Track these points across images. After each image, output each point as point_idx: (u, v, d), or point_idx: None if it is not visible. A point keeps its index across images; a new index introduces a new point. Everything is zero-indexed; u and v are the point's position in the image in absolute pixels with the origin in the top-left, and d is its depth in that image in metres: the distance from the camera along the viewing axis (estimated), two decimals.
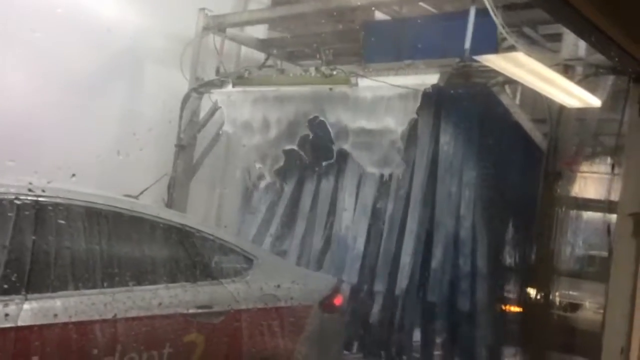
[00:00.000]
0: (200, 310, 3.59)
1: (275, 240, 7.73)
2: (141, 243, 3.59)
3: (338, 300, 4.60)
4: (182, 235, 3.73)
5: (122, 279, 3.24)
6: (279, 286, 4.06)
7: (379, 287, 6.73)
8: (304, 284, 4.44)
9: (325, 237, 7.47)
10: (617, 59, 3.16)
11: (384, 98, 6.76)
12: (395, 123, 6.65)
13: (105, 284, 3.19)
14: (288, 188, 7.89)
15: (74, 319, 2.99)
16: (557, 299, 5.53)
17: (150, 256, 3.60)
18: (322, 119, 7.23)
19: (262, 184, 8.03)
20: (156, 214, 3.66)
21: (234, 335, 3.78)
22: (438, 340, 6.71)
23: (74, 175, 3.30)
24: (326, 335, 4.46)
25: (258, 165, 7.92)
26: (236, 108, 8.05)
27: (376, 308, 6.69)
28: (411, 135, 6.76)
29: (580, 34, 3.02)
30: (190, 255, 3.77)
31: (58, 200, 3.17)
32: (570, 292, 5.99)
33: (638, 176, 3.00)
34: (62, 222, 3.06)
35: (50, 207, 3.12)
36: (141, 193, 4.24)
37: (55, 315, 2.96)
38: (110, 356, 3.13)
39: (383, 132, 6.73)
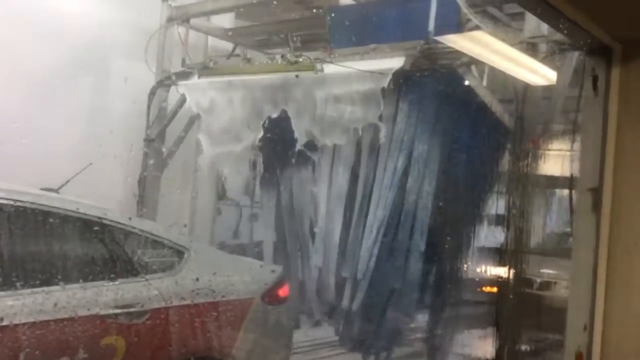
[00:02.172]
0: (119, 310, 3.37)
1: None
2: (48, 239, 3.33)
3: (283, 292, 4.36)
4: (100, 230, 3.50)
5: (23, 279, 2.99)
6: (211, 280, 3.83)
7: (346, 273, 6.58)
8: (243, 276, 4.21)
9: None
10: (566, 32, 3.00)
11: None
12: None
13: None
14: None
15: None
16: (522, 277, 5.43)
17: (59, 254, 3.35)
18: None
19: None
20: (70, 207, 3.41)
21: (161, 335, 3.56)
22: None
23: None
24: (270, 329, 4.24)
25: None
26: (204, 99, 7.84)
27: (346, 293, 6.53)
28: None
29: (527, 6, 2.87)
30: (109, 250, 3.54)
31: None
32: (540, 270, 5.90)
33: (595, 150, 2.89)
34: None
35: None
36: (62, 186, 4.01)
37: None
38: None
39: None
